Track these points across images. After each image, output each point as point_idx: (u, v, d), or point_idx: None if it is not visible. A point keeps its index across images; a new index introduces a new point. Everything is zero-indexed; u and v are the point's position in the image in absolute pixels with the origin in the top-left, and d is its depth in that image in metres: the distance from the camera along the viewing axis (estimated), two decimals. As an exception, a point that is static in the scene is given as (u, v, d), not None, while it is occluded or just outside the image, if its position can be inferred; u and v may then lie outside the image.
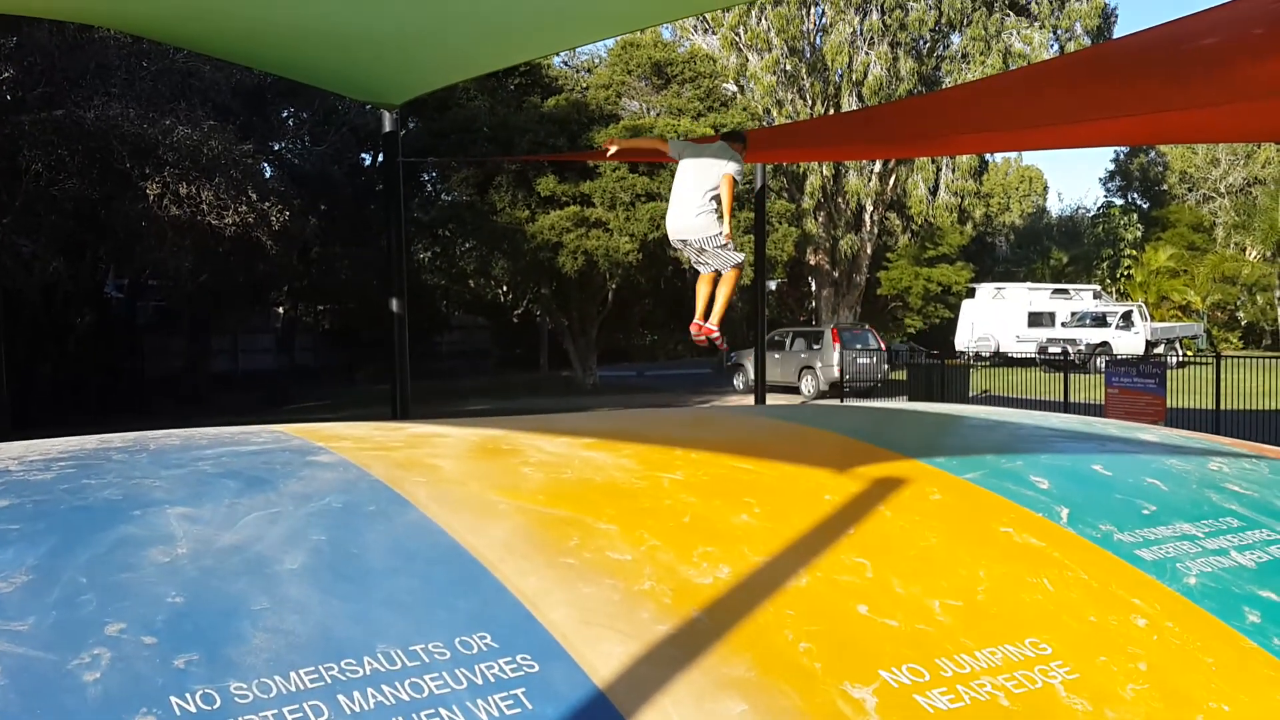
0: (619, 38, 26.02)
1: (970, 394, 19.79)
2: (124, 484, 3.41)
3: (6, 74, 11.61)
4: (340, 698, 2.35)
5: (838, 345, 23.56)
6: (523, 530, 3.23)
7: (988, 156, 36.51)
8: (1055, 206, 65.44)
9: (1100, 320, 31.39)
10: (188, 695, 2.29)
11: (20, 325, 10.98)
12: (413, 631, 2.62)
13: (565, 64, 29.90)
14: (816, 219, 32.20)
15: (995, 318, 32.34)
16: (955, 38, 31.90)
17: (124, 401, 19.15)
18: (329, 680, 2.40)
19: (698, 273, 7.68)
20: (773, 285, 35.76)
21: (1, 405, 7.25)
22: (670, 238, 7.53)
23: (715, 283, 7.52)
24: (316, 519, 3.15)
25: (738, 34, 31.23)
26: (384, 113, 8.98)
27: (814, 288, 35.70)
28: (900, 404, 10.35)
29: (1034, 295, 33.54)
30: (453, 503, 3.38)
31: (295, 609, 2.63)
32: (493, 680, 2.49)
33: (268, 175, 19.76)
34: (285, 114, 23.40)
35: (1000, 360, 27.33)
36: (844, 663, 2.75)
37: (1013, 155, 41.15)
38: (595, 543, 3.21)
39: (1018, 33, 30.97)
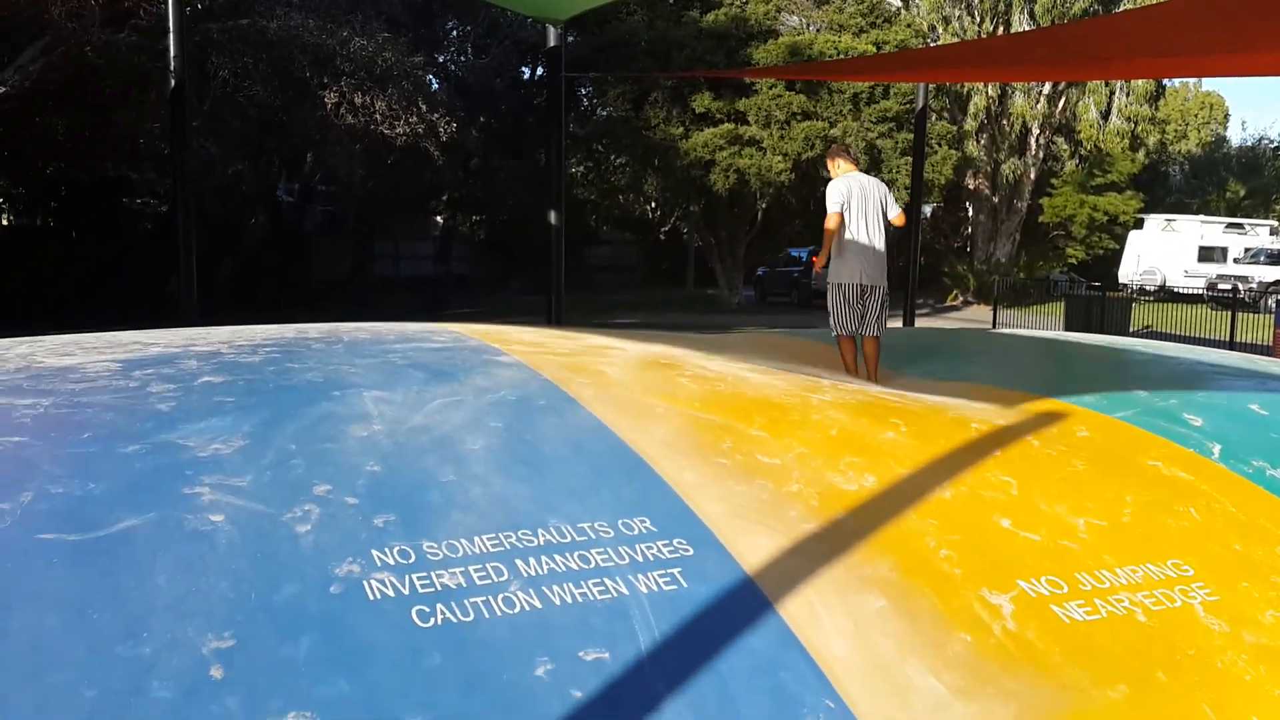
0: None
1: (1131, 329, 19.04)
2: (323, 368, 3.77)
3: (198, -18, 12.26)
4: (518, 562, 2.63)
5: None
6: (680, 431, 3.44)
7: (1166, 81, 34.35)
8: (1237, 136, 61.12)
9: (1275, 258, 29.59)
10: (386, 549, 2.59)
11: (200, 224, 11.74)
12: (581, 511, 2.87)
13: (726, -23, 29.42)
14: (979, 141, 31.06)
15: (1163, 251, 30.78)
16: (1139, -46, 29.93)
17: (293, 301, 20.24)
18: (507, 546, 2.68)
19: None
20: (928, 210, 34.82)
21: (191, 298, 7.86)
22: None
23: None
24: (494, 409, 3.43)
25: (906, -53, 30.12)
26: (549, 27, 9.15)
27: (971, 213, 34.60)
28: (1056, 334, 10.12)
29: (1206, 229, 31.73)
30: (616, 403, 3.61)
31: (478, 483, 2.92)
32: (652, 559, 2.73)
33: (434, 87, 20.30)
34: (451, 27, 23.86)
35: (1166, 295, 26.10)
36: (983, 570, 2.88)
37: (1193, 80, 38.60)
38: (747, 446, 3.40)
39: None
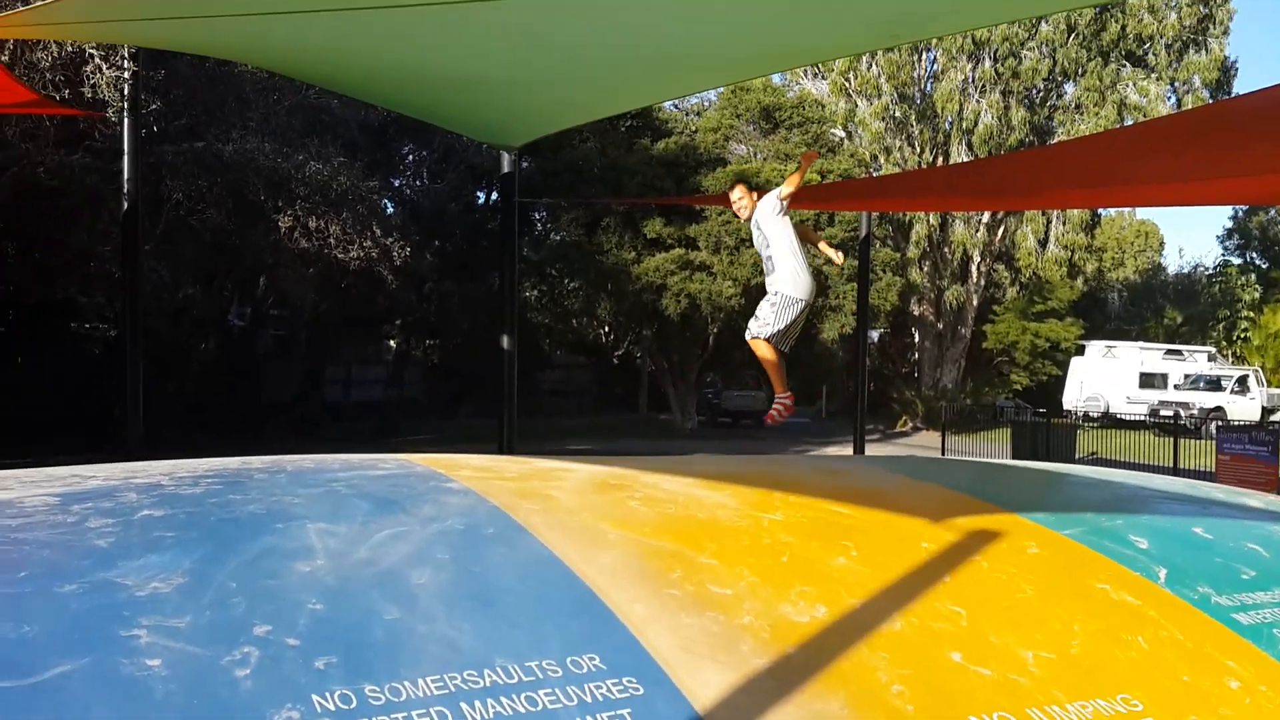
0: (729, 84, 26.36)
1: (1077, 455, 19.33)
2: (266, 500, 3.70)
3: (154, 105, 12.39)
4: (463, 705, 2.55)
5: None
6: (630, 560, 3.41)
7: (1101, 210, 35.71)
8: (1173, 263, 63.37)
9: (1215, 384, 30.34)
10: (327, 694, 2.51)
11: (149, 349, 11.70)
12: (529, 648, 2.81)
13: (676, 107, 30.37)
14: (922, 268, 31.90)
15: (1105, 377, 31.50)
16: (1069, 88, 31.37)
17: (242, 426, 19.97)
18: (452, 689, 2.61)
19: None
20: (875, 336, 35.46)
21: (137, 424, 7.75)
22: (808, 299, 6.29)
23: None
24: (441, 540, 3.38)
25: (848, 79, 31.32)
26: (503, 153, 9.35)
27: (917, 339, 35.28)
28: (1004, 461, 10.26)
29: (1146, 355, 32.59)
30: (565, 530, 3.58)
31: (424, 620, 2.86)
32: (601, 699, 2.67)
33: (389, 211, 20.54)
34: (407, 151, 24.30)
35: (1109, 421, 26.64)
36: (935, 707, 2.85)
37: (1127, 210, 40.18)
38: (698, 575, 3.37)
39: (1134, 84, 30.33)
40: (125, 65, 10.13)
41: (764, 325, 6.10)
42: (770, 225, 6.17)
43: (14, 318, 20.19)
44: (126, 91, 9.54)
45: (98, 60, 10.32)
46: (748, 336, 6.23)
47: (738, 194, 6.50)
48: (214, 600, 2.84)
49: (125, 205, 8.30)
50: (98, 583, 2.84)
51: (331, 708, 2.47)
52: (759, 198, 6.41)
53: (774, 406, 6.37)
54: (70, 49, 10.41)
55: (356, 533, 3.36)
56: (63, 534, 3.19)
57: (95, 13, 5.61)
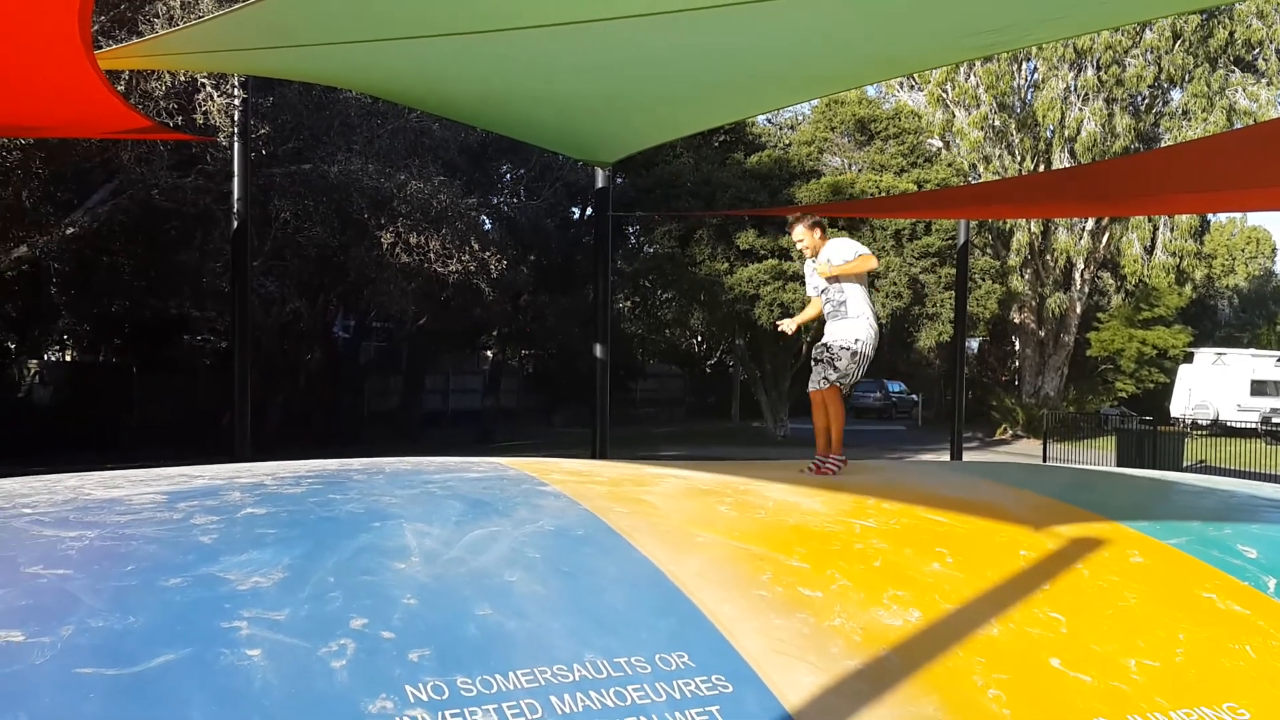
0: (823, 97, 26.18)
1: (1185, 463, 18.64)
2: (364, 499, 3.81)
3: (263, 130, 12.83)
4: (552, 698, 2.58)
5: None
6: (719, 562, 3.41)
7: (1210, 216, 34.41)
8: (1286, 269, 60.67)
9: (1330, 391, 29.19)
10: (420, 685, 2.57)
11: (256, 360, 12.13)
12: (618, 645, 2.83)
13: (769, 121, 30.26)
14: (1023, 276, 31.15)
15: (1215, 384, 30.35)
16: (1175, 94, 30.33)
17: (345, 433, 20.50)
18: (542, 682, 2.64)
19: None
20: (974, 344, 34.73)
21: (245, 432, 8.00)
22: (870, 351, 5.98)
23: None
24: (532, 540, 3.43)
25: (945, 90, 30.85)
26: (597, 170, 9.44)
27: (1018, 347, 34.44)
28: (1106, 468, 9.95)
29: (1258, 363, 31.33)
30: (655, 533, 3.60)
31: (515, 616, 2.90)
32: (690, 696, 2.67)
33: (487, 227, 20.92)
34: (504, 170, 24.69)
35: (1219, 429, 25.65)
36: (1033, 713, 2.78)
37: (1238, 215, 38.66)
38: (787, 578, 3.35)
39: (1243, 89, 29.19)
40: (235, 93, 10.53)
41: (844, 376, 5.72)
42: (849, 259, 5.78)
43: (129, 331, 21.10)
44: (236, 117, 9.92)
45: (209, 89, 10.75)
46: (823, 387, 5.74)
47: (798, 234, 6.11)
48: (312, 594, 2.93)
49: (235, 224, 8.60)
50: (201, 577, 2.95)
51: (424, 698, 2.52)
52: (821, 238, 6.02)
53: (829, 464, 5.71)
54: (183, 78, 10.86)
55: (450, 532, 3.43)
56: (168, 530, 3.32)
57: (204, 43, 5.84)
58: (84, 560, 3.03)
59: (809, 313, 6.21)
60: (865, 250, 5.84)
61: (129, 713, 2.35)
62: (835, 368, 5.72)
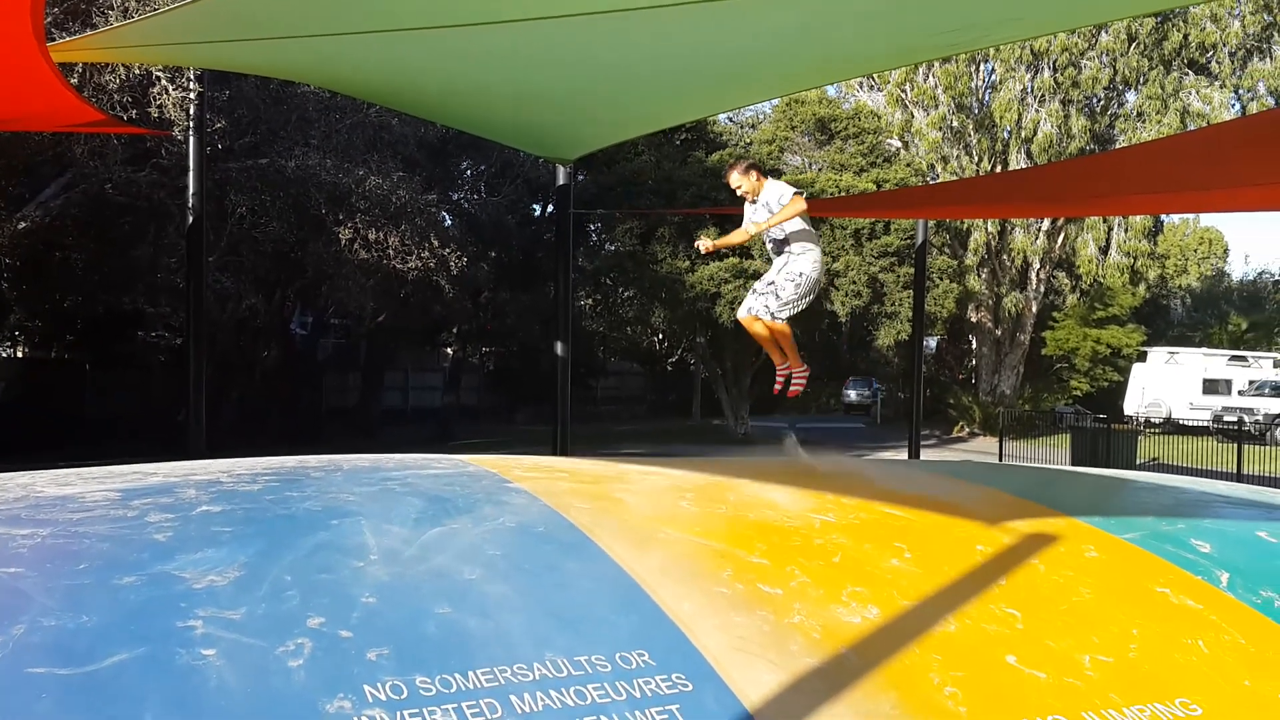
0: (785, 96, 26.29)
1: (1138, 461, 18.94)
2: (321, 497, 3.77)
3: (219, 124, 12.66)
4: (512, 698, 2.57)
5: None
6: (680, 558, 3.41)
7: (1163, 217, 34.96)
8: (1238, 269, 61.88)
9: (1280, 389, 29.78)
10: (378, 684, 2.54)
11: (212, 356, 12.03)
12: (578, 643, 2.82)
13: (730, 120, 30.32)
14: (980, 275, 31.48)
15: (1168, 383, 30.88)
16: (1130, 96, 30.77)
17: (303, 431, 20.30)
18: (502, 681, 2.63)
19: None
20: (932, 343, 35.07)
21: (199, 429, 7.91)
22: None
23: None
24: (492, 537, 3.41)
25: (904, 90, 31.07)
26: (558, 167, 9.44)
27: (975, 345, 34.82)
28: (1061, 466, 10.10)
29: (1210, 361, 31.92)
30: (615, 529, 3.59)
31: (474, 614, 2.88)
32: (650, 695, 2.67)
33: (447, 223, 20.78)
34: (465, 166, 24.54)
35: (1172, 427, 26.09)
36: (989, 709, 2.81)
37: (1190, 216, 39.33)
38: (748, 575, 3.36)
39: (1196, 92, 29.67)
40: (191, 86, 10.38)
41: (785, 306, 5.67)
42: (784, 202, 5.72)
43: (82, 327, 20.74)
44: (192, 111, 9.79)
45: (164, 82, 10.58)
46: (766, 318, 5.70)
47: (735, 179, 5.99)
48: (269, 593, 2.89)
49: (190, 219, 8.51)
50: (155, 575, 2.91)
51: (383, 698, 2.50)
52: (759, 179, 5.95)
53: (795, 381, 5.87)
54: (138, 71, 10.68)
55: (409, 529, 3.40)
56: (122, 528, 3.27)
57: (159, 36, 5.75)
58: (36, 558, 2.98)
59: (734, 238, 6.08)
60: (792, 191, 5.78)
61: (82, 712, 2.31)
62: (778, 297, 5.64)
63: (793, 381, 5.76)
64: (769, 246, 5.89)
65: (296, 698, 2.47)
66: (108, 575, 2.89)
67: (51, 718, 2.28)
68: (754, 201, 5.91)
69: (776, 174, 24.99)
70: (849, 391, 39.45)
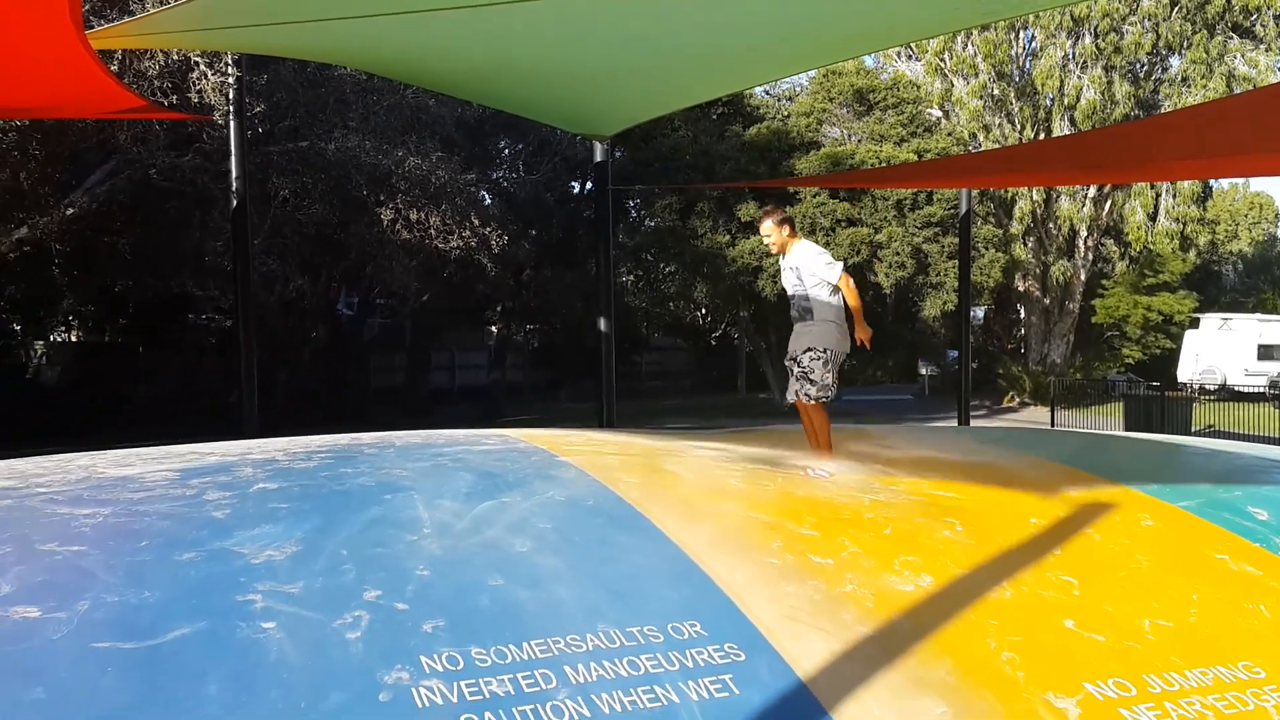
0: (821, 68, 25.98)
1: (1193, 429, 18.63)
2: (375, 473, 3.81)
3: (259, 108, 12.75)
4: (566, 668, 2.59)
5: None
6: (730, 531, 3.41)
7: (1212, 182, 34.19)
8: (1291, 234, 60.37)
9: (1338, 354, 29.20)
10: (435, 655, 2.58)
11: (261, 338, 12.17)
12: (630, 615, 2.83)
13: (767, 93, 30.04)
14: (1026, 244, 31.02)
15: (1222, 350, 30.30)
16: (1174, 61, 30.08)
17: (352, 411, 20.52)
18: (555, 652, 2.65)
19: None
20: (979, 312, 34.66)
21: (252, 409, 8.01)
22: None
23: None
24: (543, 511, 3.43)
25: (942, 60, 30.58)
26: (595, 144, 9.40)
27: (1023, 315, 34.37)
28: (1114, 433, 9.96)
29: (1264, 327, 31.25)
30: (665, 502, 3.60)
31: (527, 586, 2.91)
32: (702, 664, 2.68)
33: (487, 202, 20.84)
34: (503, 145, 24.56)
35: (1226, 394, 25.60)
36: (1047, 673, 2.79)
37: (1240, 180, 38.44)
38: (798, 546, 3.36)
39: (1241, 55, 28.94)
40: (229, 71, 10.46)
41: (824, 389, 5.50)
42: (816, 281, 5.54)
43: (133, 311, 21.08)
44: (231, 96, 9.86)
45: (203, 67, 10.67)
46: (807, 402, 5.51)
47: (765, 229, 5.84)
48: (326, 567, 2.93)
49: (234, 202, 8.58)
50: (215, 551, 2.96)
51: (440, 668, 2.53)
52: (790, 235, 5.75)
53: (818, 473, 5.09)
54: (176, 57, 10.78)
55: (461, 503, 3.43)
56: (181, 506, 3.32)
57: (197, 21, 5.79)
58: (98, 537, 3.04)
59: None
60: (841, 268, 5.58)
61: (146, 686, 2.36)
62: (812, 381, 5.52)
63: (815, 469, 5.43)
64: (792, 304, 5.71)
65: (355, 669, 2.51)
66: (168, 552, 2.94)
67: (116, 691, 2.33)
68: (780, 255, 5.79)
69: (816, 146, 24.76)
70: (923, 369, 37.47)
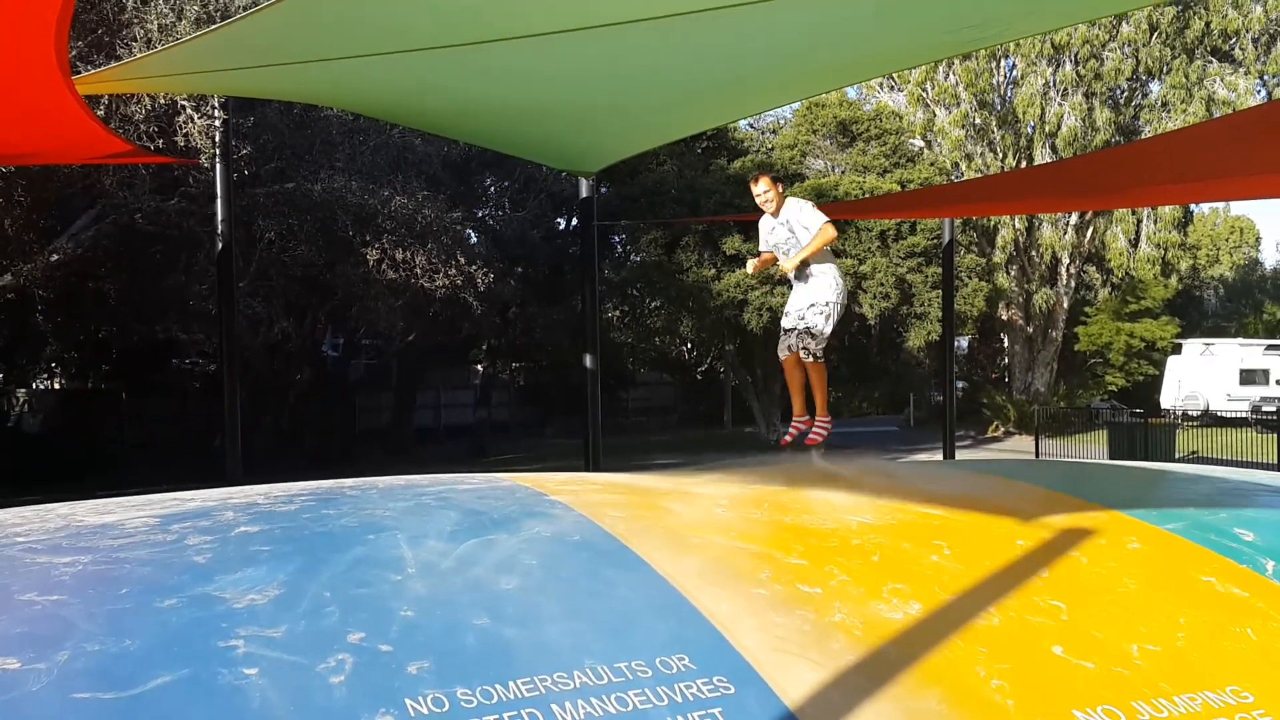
0: (804, 100, 26.23)
1: (1176, 454, 18.70)
2: (358, 514, 3.78)
3: (245, 150, 12.78)
4: (554, 707, 2.57)
5: None
6: (717, 561, 3.40)
7: (1193, 207, 34.54)
8: (1271, 258, 61.08)
9: (1320, 378, 29.38)
10: (420, 698, 2.55)
11: (246, 381, 12.15)
12: (618, 650, 2.81)
13: (751, 126, 30.31)
14: (1009, 273, 31.23)
15: (1204, 375, 30.50)
16: (1154, 86, 30.50)
17: (337, 452, 20.45)
18: (543, 691, 2.62)
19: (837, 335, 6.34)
20: (963, 342, 34.80)
21: (236, 453, 7.96)
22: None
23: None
24: (527, 547, 3.41)
25: (924, 90, 30.93)
26: (581, 180, 9.45)
27: (1007, 344, 34.54)
28: (1100, 461, 9.99)
29: (1246, 352, 31.48)
30: (651, 536, 3.58)
31: (513, 624, 2.88)
32: (691, 699, 2.66)
33: (473, 240, 20.90)
34: (489, 183, 24.67)
35: (1210, 420, 25.74)
36: (1037, 701, 2.77)
37: (1220, 205, 38.89)
38: (786, 575, 3.34)
39: (1221, 79, 29.36)
40: (215, 114, 10.48)
41: (820, 341, 5.54)
42: (810, 228, 5.64)
43: (117, 356, 21.01)
44: (218, 139, 9.87)
45: (189, 110, 10.70)
46: (807, 359, 5.55)
47: (763, 186, 5.85)
48: (309, 610, 2.90)
49: (220, 246, 8.57)
50: (196, 597, 2.93)
51: (425, 711, 2.50)
52: (785, 193, 5.90)
53: (818, 429, 5.67)
54: (163, 101, 10.81)
55: (445, 542, 3.41)
56: (162, 552, 3.29)
57: (183, 65, 5.83)
58: (78, 585, 3.00)
59: (766, 259, 6.08)
60: (823, 219, 5.70)
61: (127, 735, 2.33)
62: (813, 336, 5.55)
63: (815, 430, 5.57)
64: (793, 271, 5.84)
65: (339, 714, 2.48)
66: (149, 599, 2.91)
67: (98, 741, 2.30)
68: (774, 214, 5.90)
69: (800, 179, 24.95)
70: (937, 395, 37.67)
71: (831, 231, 5.64)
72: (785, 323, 5.81)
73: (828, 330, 5.62)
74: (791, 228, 5.75)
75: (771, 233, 5.91)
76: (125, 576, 3.09)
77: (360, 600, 2.97)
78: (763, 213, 5.94)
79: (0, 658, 2.52)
